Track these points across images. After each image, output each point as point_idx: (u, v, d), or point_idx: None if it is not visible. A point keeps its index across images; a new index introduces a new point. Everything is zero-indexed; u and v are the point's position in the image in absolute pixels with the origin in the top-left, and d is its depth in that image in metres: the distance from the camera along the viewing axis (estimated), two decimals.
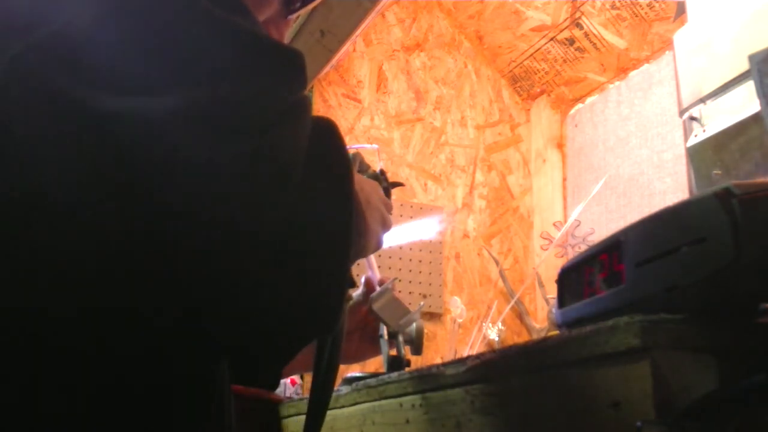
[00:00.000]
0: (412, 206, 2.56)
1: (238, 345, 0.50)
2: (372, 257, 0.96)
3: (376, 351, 1.03)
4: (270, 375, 0.68)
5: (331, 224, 0.51)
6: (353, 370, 2.30)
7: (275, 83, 0.48)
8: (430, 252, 2.54)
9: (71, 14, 0.44)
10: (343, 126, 2.52)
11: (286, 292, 0.48)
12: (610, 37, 2.51)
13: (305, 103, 0.51)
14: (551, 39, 2.65)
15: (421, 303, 1.23)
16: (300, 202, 0.48)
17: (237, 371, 0.61)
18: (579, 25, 2.54)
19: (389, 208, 0.74)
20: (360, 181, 0.66)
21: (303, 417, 0.71)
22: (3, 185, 0.44)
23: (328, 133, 0.56)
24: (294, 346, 0.53)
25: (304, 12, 0.73)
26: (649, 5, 2.34)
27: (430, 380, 0.76)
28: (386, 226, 0.71)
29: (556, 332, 0.62)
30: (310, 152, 0.50)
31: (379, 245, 0.70)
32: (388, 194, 0.81)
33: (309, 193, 0.49)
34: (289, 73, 0.51)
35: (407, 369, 1.03)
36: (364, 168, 0.83)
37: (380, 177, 0.82)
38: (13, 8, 0.46)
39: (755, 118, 1.26)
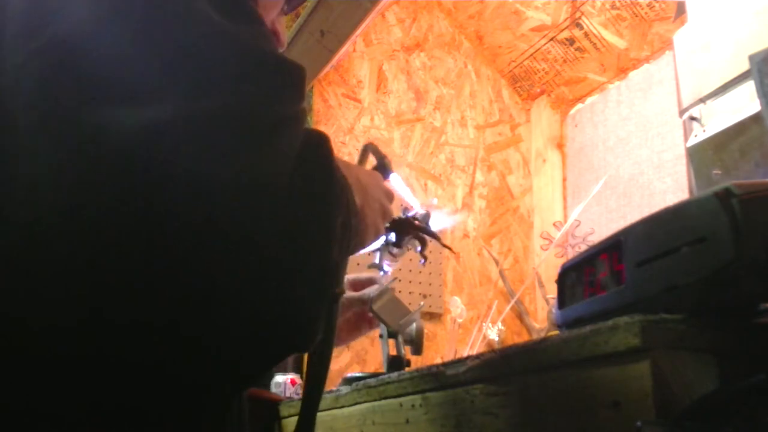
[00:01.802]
0: None
1: (226, 350, 0.50)
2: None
3: (366, 329, 1.02)
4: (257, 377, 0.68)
5: (312, 235, 0.51)
6: (353, 371, 2.30)
7: (269, 96, 0.49)
8: (430, 252, 2.52)
9: (72, 21, 0.44)
10: (343, 126, 2.52)
11: (270, 299, 0.48)
12: (610, 37, 2.51)
13: (298, 117, 0.52)
14: (551, 39, 2.65)
15: (421, 303, 1.23)
16: (284, 214, 0.48)
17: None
18: (579, 25, 2.54)
19: (390, 198, 0.74)
20: (357, 174, 0.66)
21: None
22: (5, 185, 0.45)
23: (317, 148, 0.55)
24: (275, 353, 0.53)
25: (300, 7, 0.74)
26: (649, 5, 2.34)
27: (430, 380, 0.76)
28: (386, 215, 0.72)
29: (556, 332, 0.62)
30: (298, 165, 0.50)
31: (377, 234, 0.71)
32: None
33: (292, 204, 0.49)
34: (285, 86, 0.51)
35: (407, 369, 1.03)
36: (379, 158, 0.84)
37: (386, 165, 0.83)
38: (20, 15, 0.46)
39: (755, 118, 1.26)
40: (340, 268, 0.70)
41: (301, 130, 0.52)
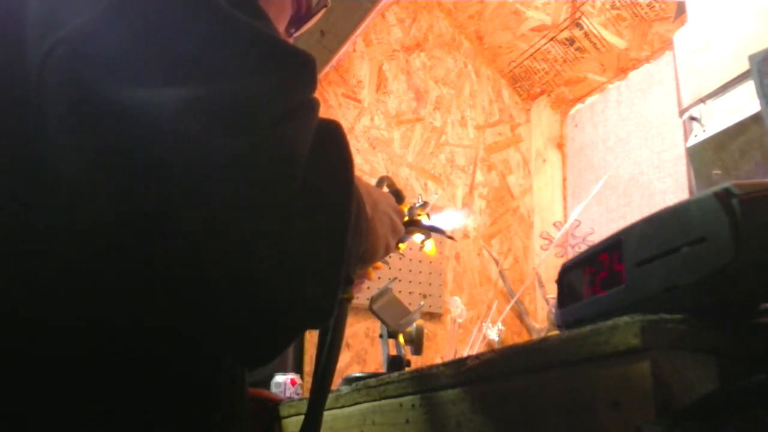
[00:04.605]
0: None
1: (232, 337, 0.49)
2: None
3: None
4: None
5: (327, 226, 0.51)
6: (353, 371, 2.30)
7: (281, 83, 0.48)
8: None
9: (95, 10, 0.44)
10: (343, 126, 2.52)
11: (279, 289, 0.47)
12: (610, 37, 2.51)
13: (312, 105, 0.51)
14: (551, 39, 2.65)
15: (421, 303, 1.23)
16: (299, 202, 0.47)
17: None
18: (579, 25, 2.54)
19: (401, 216, 0.74)
20: (367, 187, 0.67)
21: (302, 417, 0.71)
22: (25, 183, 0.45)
23: (333, 135, 0.56)
24: (283, 339, 0.52)
25: (302, 31, 0.75)
26: (649, 5, 2.34)
27: (430, 380, 0.76)
28: (396, 232, 0.72)
29: (556, 332, 0.62)
30: (313, 154, 0.50)
31: (388, 249, 0.70)
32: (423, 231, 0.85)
33: (308, 194, 0.49)
34: (297, 74, 0.51)
35: (407, 369, 1.03)
36: (393, 191, 0.85)
37: (401, 196, 0.84)
38: (42, 6, 0.46)
39: (755, 118, 1.26)
40: (348, 273, 0.69)
41: (316, 119, 0.52)
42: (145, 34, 0.44)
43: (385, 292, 1.04)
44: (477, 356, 0.67)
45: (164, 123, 0.42)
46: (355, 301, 0.76)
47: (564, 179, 2.84)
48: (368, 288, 2.02)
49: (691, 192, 2.11)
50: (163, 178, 0.42)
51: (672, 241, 0.51)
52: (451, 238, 1.00)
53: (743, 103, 1.31)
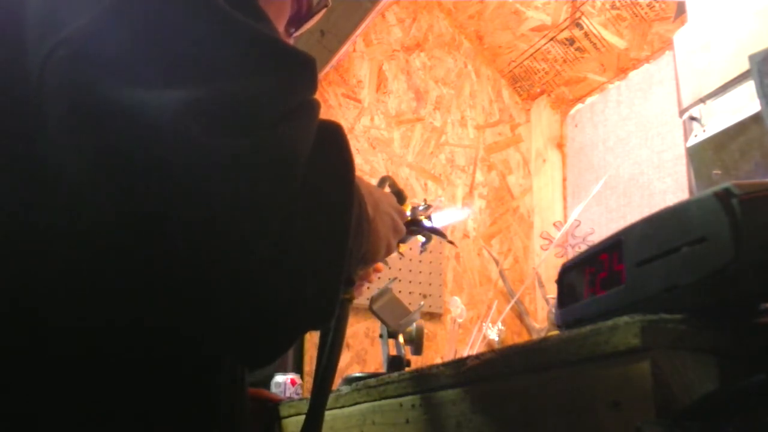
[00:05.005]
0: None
1: (232, 337, 0.49)
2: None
3: None
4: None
5: (328, 226, 0.51)
6: (353, 371, 2.30)
7: (281, 83, 0.48)
8: (430, 252, 2.53)
9: (95, 11, 0.44)
10: (343, 126, 2.52)
11: (279, 289, 0.47)
12: (610, 37, 2.51)
13: (312, 106, 0.51)
14: (551, 39, 2.65)
15: (421, 303, 1.23)
16: (299, 202, 0.47)
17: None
18: (579, 25, 2.54)
19: (402, 216, 0.74)
20: (369, 187, 0.66)
21: (302, 417, 0.71)
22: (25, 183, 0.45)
23: (333, 135, 0.56)
24: (283, 340, 0.52)
25: (303, 31, 0.74)
26: (649, 5, 2.34)
27: (430, 380, 0.76)
28: (398, 232, 0.71)
29: (556, 332, 0.62)
30: (314, 154, 0.50)
31: (390, 250, 0.70)
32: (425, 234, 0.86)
33: (308, 194, 0.49)
34: (297, 74, 0.51)
35: (407, 369, 1.03)
36: (395, 191, 0.85)
37: (403, 196, 0.84)
38: (43, 8, 0.46)
39: (755, 118, 1.26)
40: (349, 274, 0.68)
41: (316, 119, 0.52)
42: (146, 35, 0.44)
43: (385, 292, 1.04)
44: (477, 356, 0.67)
45: (164, 123, 0.42)
46: (355, 302, 0.76)
47: (564, 179, 2.84)
48: (368, 288, 2.02)
49: (691, 192, 2.11)
50: (163, 179, 0.42)
51: (672, 241, 0.51)
52: (451, 242, 1.00)
53: (743, 103, 1.31)
